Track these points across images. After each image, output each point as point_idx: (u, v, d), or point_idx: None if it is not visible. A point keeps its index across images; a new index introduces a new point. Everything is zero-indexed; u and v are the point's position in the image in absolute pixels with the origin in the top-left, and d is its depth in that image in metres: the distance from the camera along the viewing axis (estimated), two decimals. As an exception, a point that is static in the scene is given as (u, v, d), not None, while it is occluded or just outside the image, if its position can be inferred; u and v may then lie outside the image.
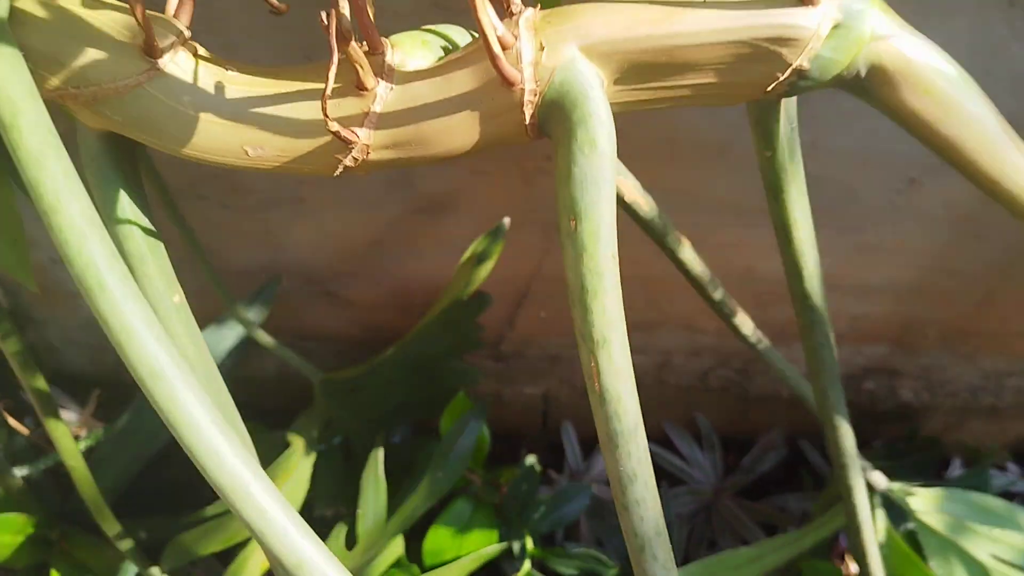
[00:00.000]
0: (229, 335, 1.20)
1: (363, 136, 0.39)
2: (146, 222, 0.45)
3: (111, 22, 0.36)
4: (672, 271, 1.21)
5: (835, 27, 0.35)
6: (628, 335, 1.45)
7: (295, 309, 1.33)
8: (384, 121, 0.38)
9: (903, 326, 1.31)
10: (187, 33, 0.38)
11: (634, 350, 1.47)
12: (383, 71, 0.38)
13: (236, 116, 0.37)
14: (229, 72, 0.38)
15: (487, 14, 0.33)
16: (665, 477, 1.51)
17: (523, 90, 0.35)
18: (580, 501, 1.24)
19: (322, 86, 0.36)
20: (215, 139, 0.38)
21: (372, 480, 1.08)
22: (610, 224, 0.37)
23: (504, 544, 1.14)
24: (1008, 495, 1.46)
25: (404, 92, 0.38)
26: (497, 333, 1.35)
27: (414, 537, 1.13)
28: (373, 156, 0.40)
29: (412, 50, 0.39)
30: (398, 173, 1.05)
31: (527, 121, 0.37)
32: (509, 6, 0.36)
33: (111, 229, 0.42)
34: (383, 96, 0.38)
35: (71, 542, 1.08)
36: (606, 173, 0.36)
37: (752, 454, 1.54)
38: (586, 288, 0.39)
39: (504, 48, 0.35)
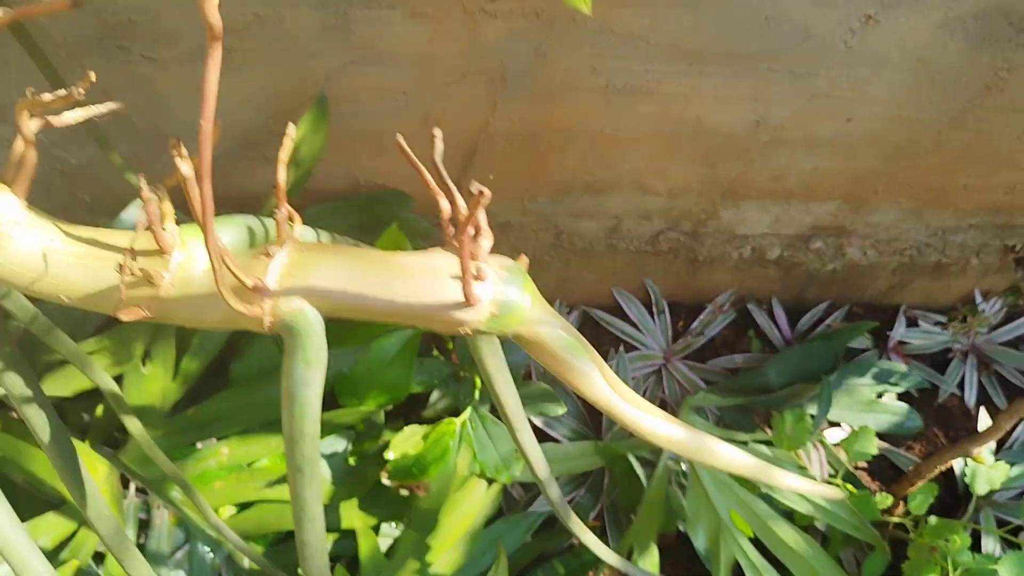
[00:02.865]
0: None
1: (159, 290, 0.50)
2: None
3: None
4: (627, 122, 1.18)
5: (491, 316, 0.50)
6: (579, 197, 1.42)
7: (237, 176, 1.27)
8: (164, 300, 0.50)
9: (853, 181, 1.30)
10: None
11: (585, 215, 1.45)
12: (168, 268, 0.49)
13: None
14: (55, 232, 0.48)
15: (236, 275, 0.46)
16: (616, 343, 1.51)
17: (262, 318, 0.48)
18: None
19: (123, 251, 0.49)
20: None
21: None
22: (315, 408, 0.50)
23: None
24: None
25: (183, 285, 0.50)
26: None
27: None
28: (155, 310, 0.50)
29: (196, 249, 0.50)
30: (334, 17, 0.99)
31: (265, 329, 0.49)
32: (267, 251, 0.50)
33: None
34: (168, 282, 0.49)
35: None
36: (316, 378, 0.49)
37: (701, 318, 1.55)
38: (294, 438, 0.50)
39: (256, 289, 0.48)
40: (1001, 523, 1.36)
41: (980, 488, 1.30)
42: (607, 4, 0.98)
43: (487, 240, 0.52)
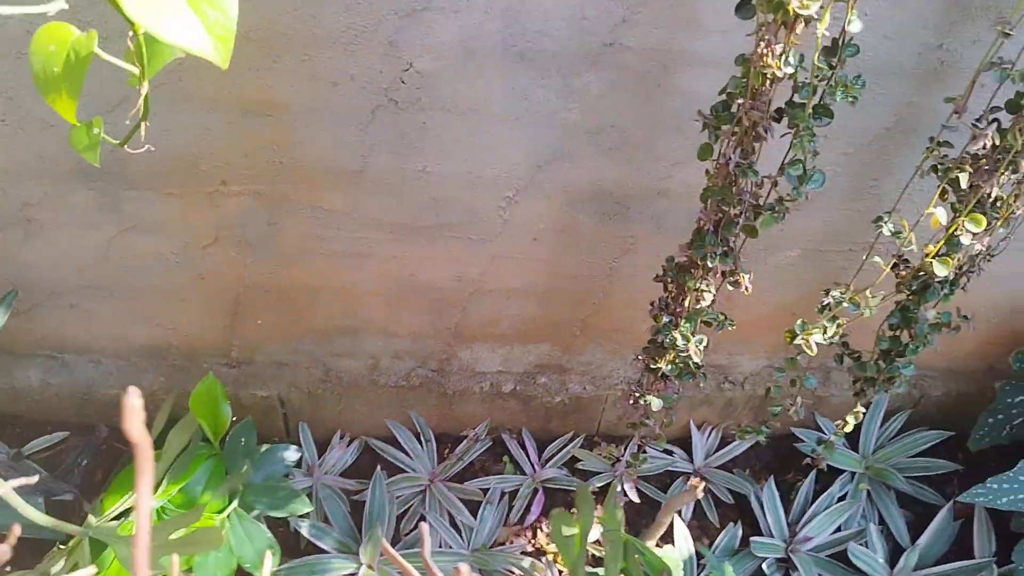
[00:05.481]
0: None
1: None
2: None
3: None
4: (358, 280, 1.51)
5: None
6: (338, 339, 1.75)
7: (50, 324, 1.56)
8: None
9: (553, 326, 1.64)
10: None
11: (346, 354, 1.83)
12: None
13: None
14: None
15: None
16: (388, 467, 1.78)
17: None
18: (284, 461, 1.48)
19: None
20: None
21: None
22: None
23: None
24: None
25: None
26: (224, 341, 1.61)
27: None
28: None
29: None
30: (107, 199, 1.32)
31: None
32: None
33: None
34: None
35: None
36: None
37: (462, 446, 1.83)
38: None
39: None
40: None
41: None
42: (319, 190, 1.33)
43: None
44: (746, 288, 1.14)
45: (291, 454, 1.48)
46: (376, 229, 1.41)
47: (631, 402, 1.40)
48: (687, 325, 1.22)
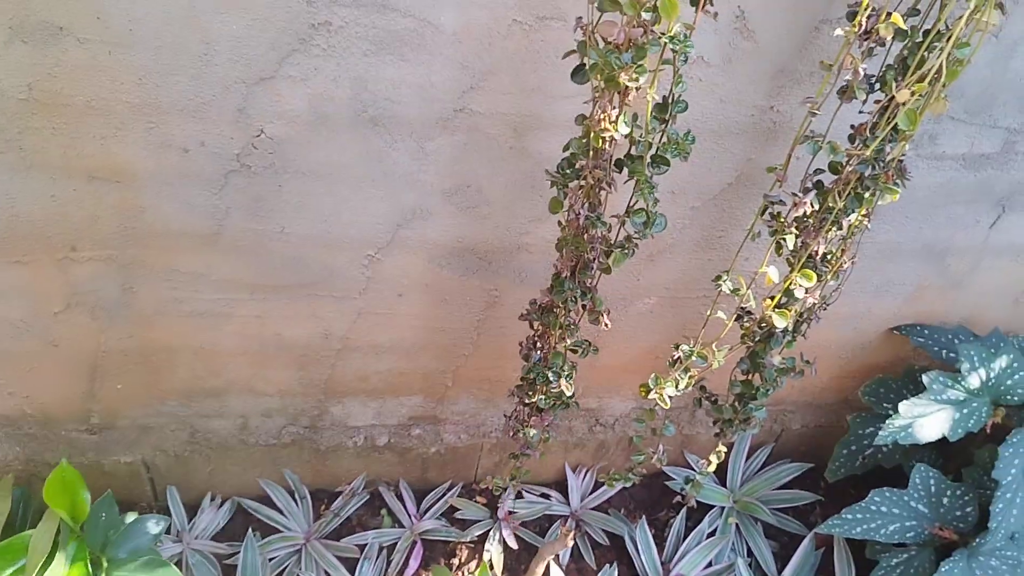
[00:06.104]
0: None
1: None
2: None
3: None
4: (219, 339, 1.48)
5: None
6: (204, 400, 1.71)
7: None
8: None
9: (423, 377, 1.64)
10: None
11: (214, 415, 1.78)
12: None
13: None
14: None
15: None
16: (261, 528, 1.74)
17: None
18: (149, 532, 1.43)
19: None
20: None
21: None
22: None
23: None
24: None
25: None
26: (83, 407, 1.56)
27: None
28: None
29: None
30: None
31: None
32: None
33: None
34: None
35: None
36: None
37: (338, 502, 1.81)
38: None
39: None
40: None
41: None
42: (173, 253, 1.31)
43: None
44: (605, 324, 1.18)
45: (154, 525, 1.43)
46: (235, 290, 1.39)
47: (511, 435, 1.42)
48: (556, 360, 1.25)
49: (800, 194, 1.03)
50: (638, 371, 1.73)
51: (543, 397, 1.33)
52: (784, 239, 1.07)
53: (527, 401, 1.37)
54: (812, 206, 1.03)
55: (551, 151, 1.24)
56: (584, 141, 1.00)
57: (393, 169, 1.23)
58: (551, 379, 1.29)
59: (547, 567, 1.60)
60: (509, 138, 1.22)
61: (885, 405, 1.75)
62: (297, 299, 1.42)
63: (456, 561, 1.79)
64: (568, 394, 1.31)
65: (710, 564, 1.78)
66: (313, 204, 1.27)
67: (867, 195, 1.08)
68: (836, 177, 1.10)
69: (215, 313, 1.42)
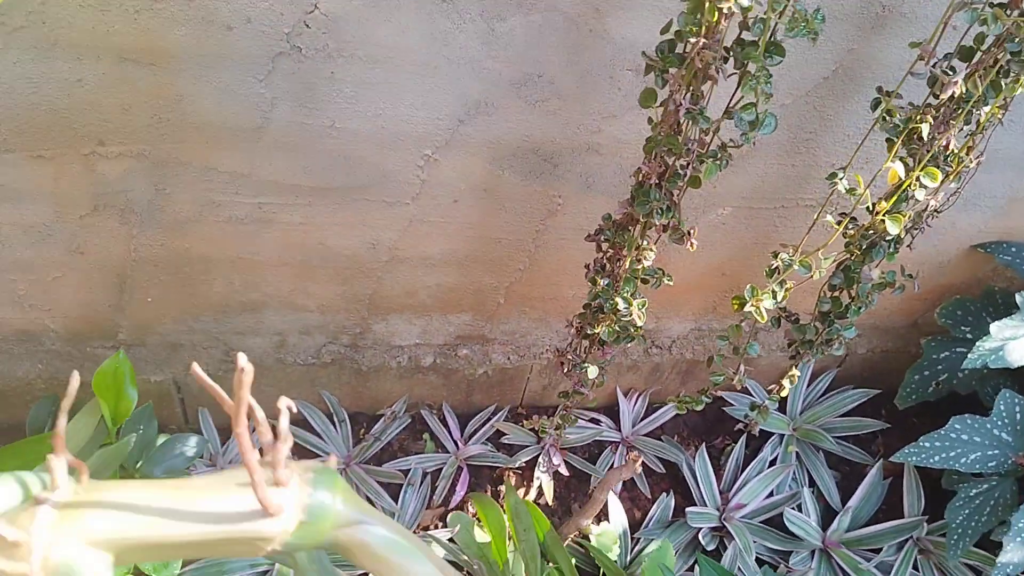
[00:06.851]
0: None
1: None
2: None
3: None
4: (259, 248, 1.36)
5: (301, 524, 0.46)
6: (239, 316, 1.58)
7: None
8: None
9: (474, 294, 1.53)
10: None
11: (250, 332, 1.64)
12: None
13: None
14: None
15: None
16: (299, 452, 1.65)
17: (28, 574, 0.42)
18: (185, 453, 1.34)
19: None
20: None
21: None
22: None
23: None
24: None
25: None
26: (110, 322, 1.45)
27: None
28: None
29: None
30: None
31: None
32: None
33: None
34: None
35: None
36: None
37: (379, 425, 1.71)
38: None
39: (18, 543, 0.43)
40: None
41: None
42: (212, 149, 1.18)
43: (286, 443, 0.46)
44: (691, 244, 1.06)
45: (191, 445, 1.34)
46: (279, 193, 1.27)
47: (565, 371, 1.31)
48: (627, 287, 1.13)
49: (950, 71, 0.90)
50: (701, 289, 1.61)
51: (607, 328, 1.22)
52: (919, 127, 0.94)
53: (589, 332, 1.26)
54: (961, 88, 0.89)
55: (636, 36, 1.10)
56: (695, 17, 0.87)
57: (459, 55, 1.10)
58: (621, 308, 1.16)
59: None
60: (590, 19, 1.08)
61: (963, 328, 1.64)
62: (345, 204, 1.30)
63: (503, 488, 1.70)
64: (639, 323, 1.19)
65: (771, 494, 1.69)
66: (368, 95, 1.14)
67: (1006, 81, 0.95)
68: (967, 63, 0.97)
69: (255, 219, 1.30)
